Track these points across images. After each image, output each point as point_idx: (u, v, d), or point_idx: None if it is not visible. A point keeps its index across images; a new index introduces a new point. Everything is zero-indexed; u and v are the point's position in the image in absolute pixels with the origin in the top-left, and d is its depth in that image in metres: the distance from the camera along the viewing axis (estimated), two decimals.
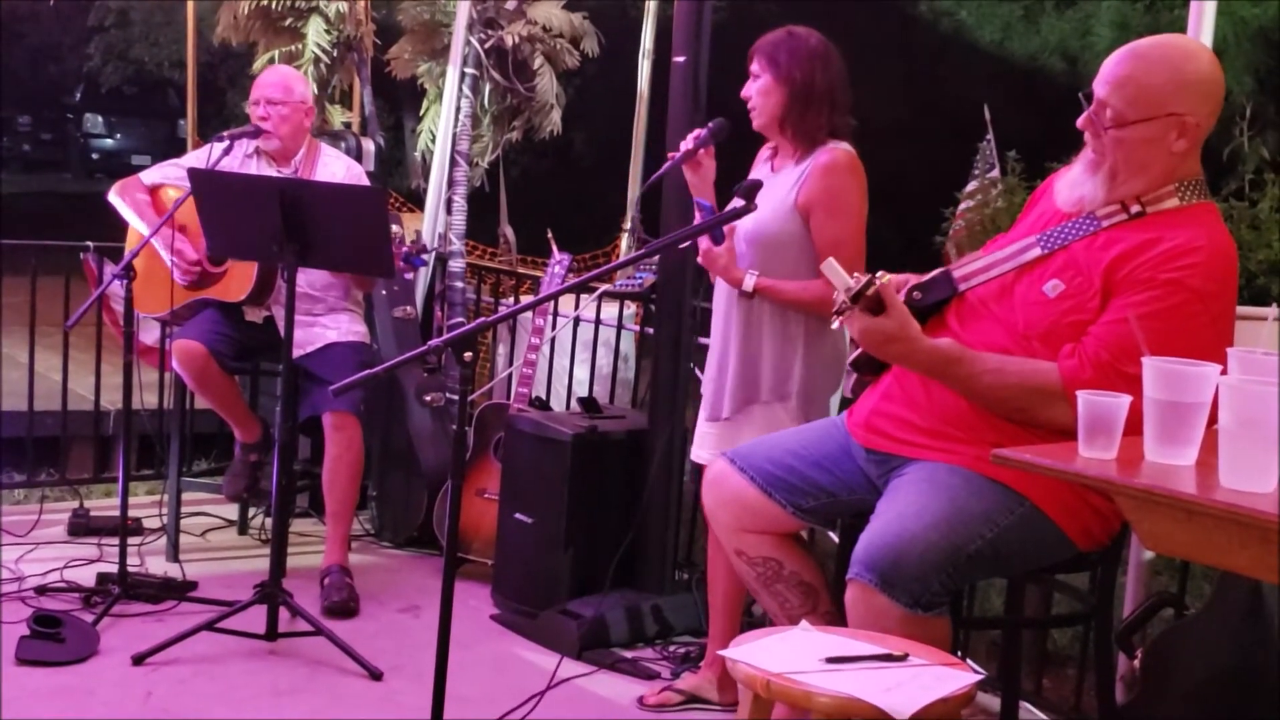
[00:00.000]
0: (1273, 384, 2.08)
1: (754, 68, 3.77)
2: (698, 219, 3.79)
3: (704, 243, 3.78)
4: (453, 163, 5.89)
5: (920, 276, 3.13)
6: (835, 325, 2.93)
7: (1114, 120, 2.82)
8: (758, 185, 3.36)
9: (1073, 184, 2.96)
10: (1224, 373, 2.24)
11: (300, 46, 6.40)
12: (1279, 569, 2.00)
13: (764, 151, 3.93)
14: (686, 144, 3.81)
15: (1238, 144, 4.86)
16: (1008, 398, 2.87)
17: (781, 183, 3.73)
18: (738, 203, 3.36)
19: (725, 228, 3.75)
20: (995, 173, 5.28)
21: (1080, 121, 2.90)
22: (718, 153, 3.83)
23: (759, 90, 3.76)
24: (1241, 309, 2.94)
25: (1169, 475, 2.15)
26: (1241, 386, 2.08)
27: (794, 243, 3.71)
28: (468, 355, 3.08)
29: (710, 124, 3.83)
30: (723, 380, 3.85)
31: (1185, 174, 2.87)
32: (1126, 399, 2.31)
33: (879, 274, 2.86)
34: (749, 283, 3.74)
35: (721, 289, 3.89)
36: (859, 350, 3.12)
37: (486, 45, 5.94)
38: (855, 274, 2.86)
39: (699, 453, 3.94)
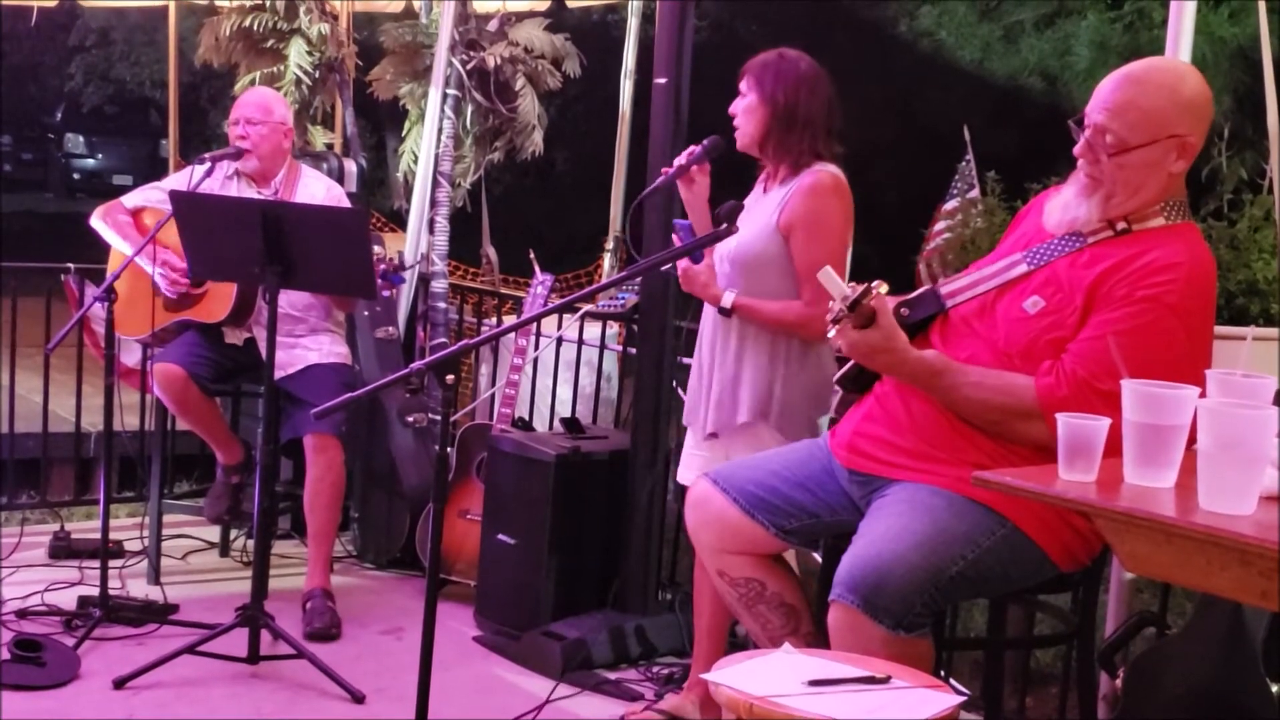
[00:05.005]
0: (1251, 407, 2.09)
1: (742, 86, 3.78)
2: (675, 240, 3.80)
3: (683, 261, 3.80)
4: (435, 183, 5.90)
5: (906, 295, 3.14)
6: (831, 334, 2.93)
7: (1116, 146, 2.83)
8: (739, 207, 3.37)
9: (1065, 207, 2.96)
10: (1203, 394, 2.25)
11: (282, 68, 6.40)
12: (1258, 590, 2.01)
13: (763, 174, 3.93)
14: (680, 160, 3.81)
15: (1217, 164, 4.88)
16: (985, 411, 2.89)
17: (767, 204, 3.74)
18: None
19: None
20: (975, 193, 5.29)
21: (1078, 149, 2.90)
22: (715, 171, 3.84)
23: (744, 109, 3.77)
24: (1220, 329, 2.95)
25: (1148, 498, 2.16)
26: (1220, 409, 2.09)
27: (775, 263, 3.71)
28: (450, 378, 3.08)
29: (705, 141, 3.82)
30: (704, 398, 3.86)
31: (1173, 194, 2.90)
32: (1106, 422, 2.32)
33: (876, 283, 2.86)
34: (727, 300, 3.75)
35: (708, 308, 3.89)
36: (846, 367, 3.14)
37: (468, 66, 5.95)
38: (851, 283, 2.86)
39: (685, 474, 3.94)
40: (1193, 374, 2.34)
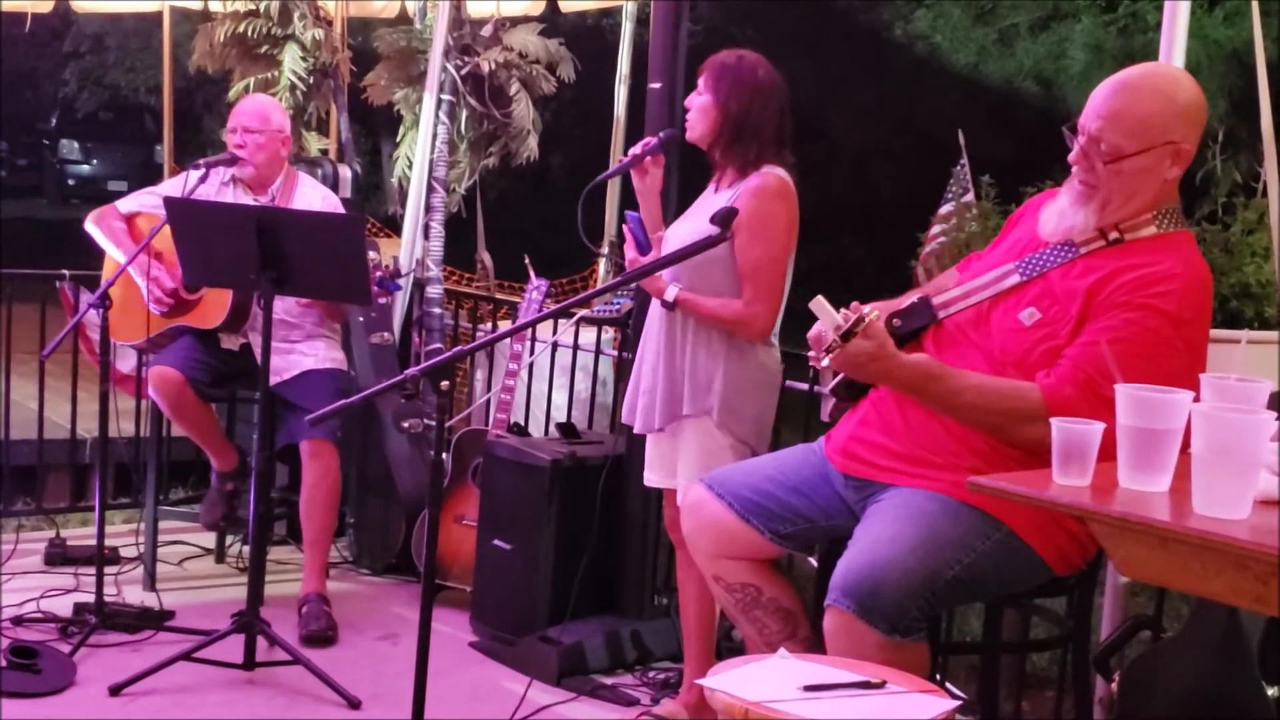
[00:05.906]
0: (1245, 411, 2.09)
1: (700, 82, 3.79)
2: (625, 231, 3.83)
3: (630, 252, 3.82)
4: (430, 189, 5.90)
5: (898, 303, 3.14)
6: (825, 364, 2.90)
7: (1112, 154, 2.83)
8: (733, 212, 3.37)
9: (1060, 215, 2.96)
10: (1197, 399, 2.25)
11: (276, 74, 6.40)
12: (1254, 595, 2.01)
13: (715, 173, 3.94)
14: (635, 150, 3.85)
15: (1211, 167, 4.87)
16: (987, 415, 2.88)
17: (715, 204, 3.74)
18: (713, 230, 3.37)
19: (652, 238, 3.81)
20: (969, 197, 5.28)
21: (1073, 157, 2.90)
22: (679, 164, 3.86)
23: (698, 107, 3.77)
24: (1214, 332, 2.96)
25: (1143, 502, 2.16)
26: (1214, 413, 2.09)
27: (719, 262, 3.69)
28: (445, 384, 3.09)
29: (661, 133, 3.88)
30: (654, 394, 3.85)
31: (1166, 200, 2.90)
32: (1100, 426, 2.32)
33: (869, 311, 2.82)
34: (670, 293, 3.75)
35: (654, 304, 3.89)
36: (839, 377, 3.13)
37: (463, 72, 5.96)
38: (843, 311, 2.83)
39: (649, 476, 3.95)
40: (1188, 385, 2.33)
